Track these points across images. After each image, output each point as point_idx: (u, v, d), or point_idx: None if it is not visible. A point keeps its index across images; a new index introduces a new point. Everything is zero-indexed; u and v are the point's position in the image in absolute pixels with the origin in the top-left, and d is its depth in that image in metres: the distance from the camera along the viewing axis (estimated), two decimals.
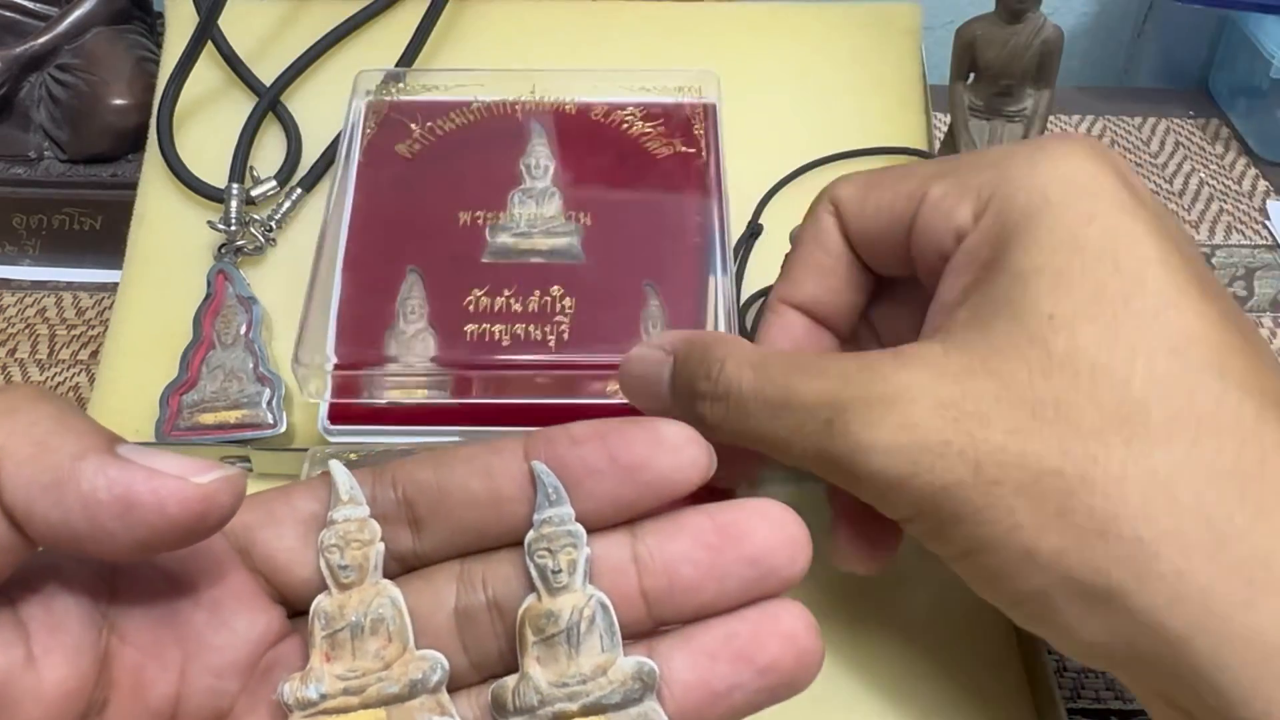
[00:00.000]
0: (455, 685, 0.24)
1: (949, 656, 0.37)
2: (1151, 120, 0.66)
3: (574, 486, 0.23)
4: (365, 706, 0.23)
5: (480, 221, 0.43)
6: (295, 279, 0.47)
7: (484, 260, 0.42)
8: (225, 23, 0.50)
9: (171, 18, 0.53)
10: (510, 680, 0.23)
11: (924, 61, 0.53)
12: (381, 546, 0.24)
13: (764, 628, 0.23)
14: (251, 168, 0.49)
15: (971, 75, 0.50)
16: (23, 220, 0.54)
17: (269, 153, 0.50)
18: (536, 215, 0.43)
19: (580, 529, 0.23)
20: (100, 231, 0.54)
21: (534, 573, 0.23)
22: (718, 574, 0.23)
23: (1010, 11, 0.47)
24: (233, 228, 0.47)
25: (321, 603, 0.24)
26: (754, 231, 0.48)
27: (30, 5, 0.56)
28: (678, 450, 0.23)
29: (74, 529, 0.20)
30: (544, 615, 0.23)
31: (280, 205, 0.48)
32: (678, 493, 0.23)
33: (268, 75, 0.51)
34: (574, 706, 0.23)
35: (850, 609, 0.38)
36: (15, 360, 0.51)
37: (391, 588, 0.24)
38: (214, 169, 0.49)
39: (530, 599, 0.23)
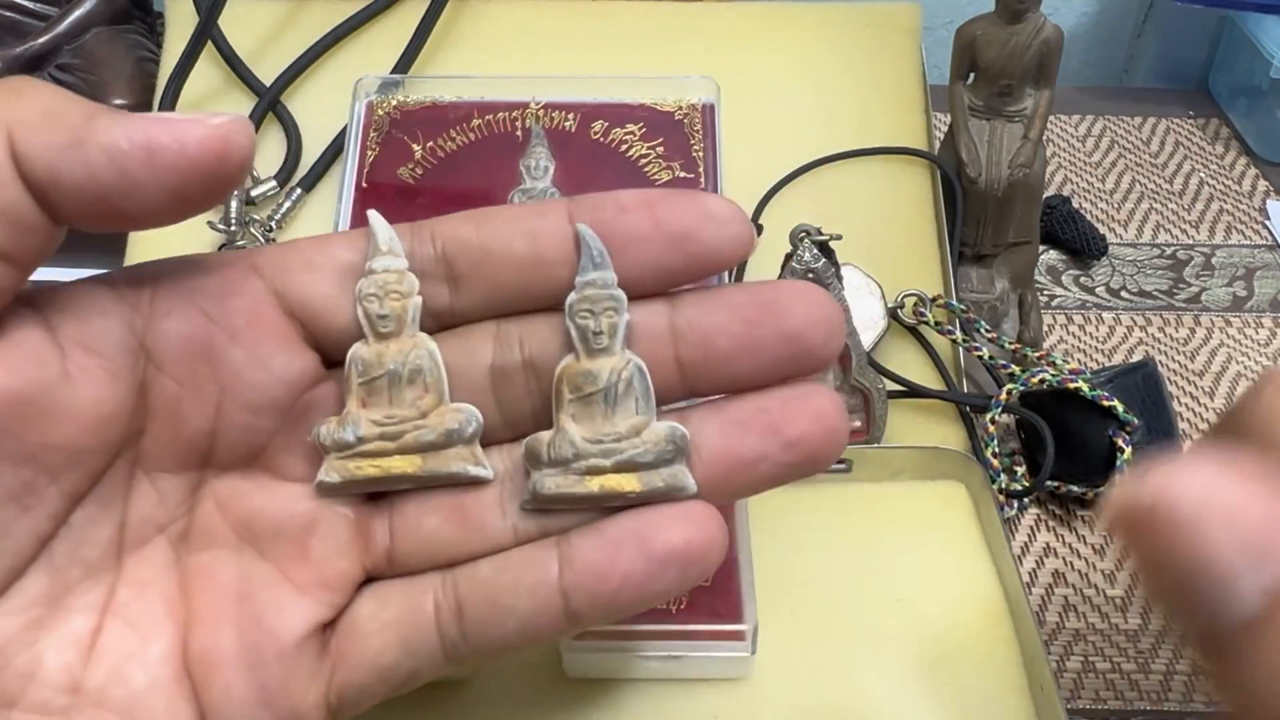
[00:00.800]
0: (487, 440, 0.24)
1: (949, 658, 0.37)
2: (1151, 120, 0.66)
3: (618, 252, 0.23)
4: (401, 453, 0.23)
5: None
6: None
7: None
8: (225, 23, 0.50)
9: (171, 18, 0.53)
10: (545, 434, 0.23)
11: (924, 61, 0.53)
12: (419, 300, 0.24)
13: (794, 404, 0.23)
14: (252, 167, 0.49)
15: (971, 75, 0.50)
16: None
17: (269, 153, 0.50)
18: None
19: (622, 294, 0.23)
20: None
21: (574, 333, 0.23)
22: (753, 347, 0.23)
23: (1010, 11, 0.47)
24: (233, 228, 0.47)
25: (359, 350, 0.24)
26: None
27: (30, 5, 0.56)
28: (724, 223, 0.23)
29: (102, 183, 0.20)
30: (582, 374, 0.23)
31: (280, 205, 0.48)
32: (721, 266, 0.23)
33: (268, 75, 0.51)
34: (607, 463, 0.23)
35: (851, 611, 0.38)
36: None
37: (428, 341, 0.24)
38: None
39: (569, 358, 0.23)
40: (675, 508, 0.23)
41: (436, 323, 0.24)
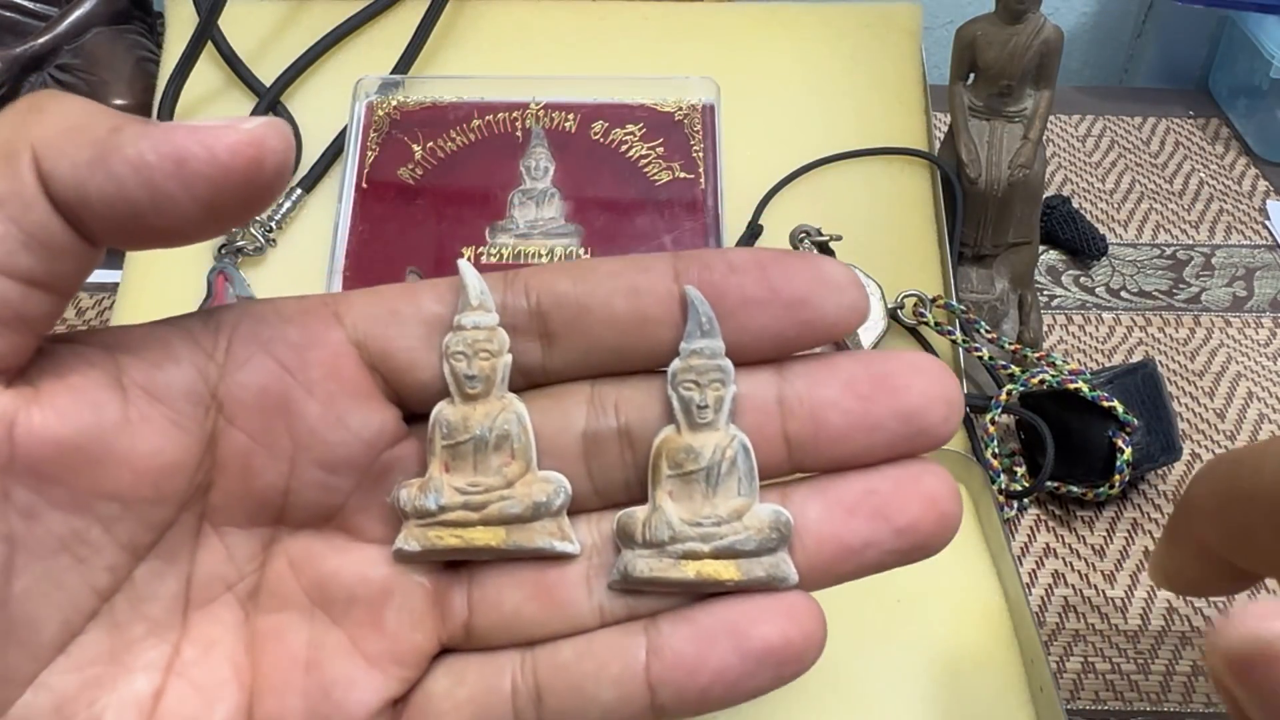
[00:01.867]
0: (576, 509, 0.23)
1: (949, 658, 0.37)
2: (1151, 120, 0.66)
3: (726, 315, 0.22)
4: (485, 524, 0.22)
5: (481, 223, 0.43)
6: (295, 279, 0.47)
7: (484, 262, 0.42)
8: (225, 23, 0.50)
9: (171, 18, 0.53)
10: (640, 511, 0.22)
11: (924, 61, 0.53)
12: (509, 359, 0.22)
13: (906, 487, 0.21)
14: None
15: (971, 75, 0.50)
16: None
17: None
18: (536, 217, 0.44)
19: (729, 365, 0.22)
20: None
21: (677, 405, 0.22)
22: (867, 425, 0.21)
23: (1010, 11, 0.47)
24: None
25: (444, 411, 0.22)
26: (754, 232, 0.48)
27: (30, 5, 0.56)
28: (841, 290, 0.21)
29: (131, 200, 0.19)
30: (684, 450, 0.22)
31: (280, 206, 0.48)
32: (835, 335, 0.22)
33: (268, 75, 0.51)
34: (706, 548, 0.22)
35: (851, 611, 0.38)
36: None
37: (518, 403, 0.22)
38: None
39: (668, 430, 0.22)
40: (774, 599, 0.22)
41: (526, 380, 0.23)
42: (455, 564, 0.23)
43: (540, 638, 0.23)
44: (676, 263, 0.22)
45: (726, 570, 0.22)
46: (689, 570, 0.22)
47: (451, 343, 0.22)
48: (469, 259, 0.43)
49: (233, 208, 0.19)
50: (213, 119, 0.20)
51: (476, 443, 0.22)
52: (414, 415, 0.23)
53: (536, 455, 0.22)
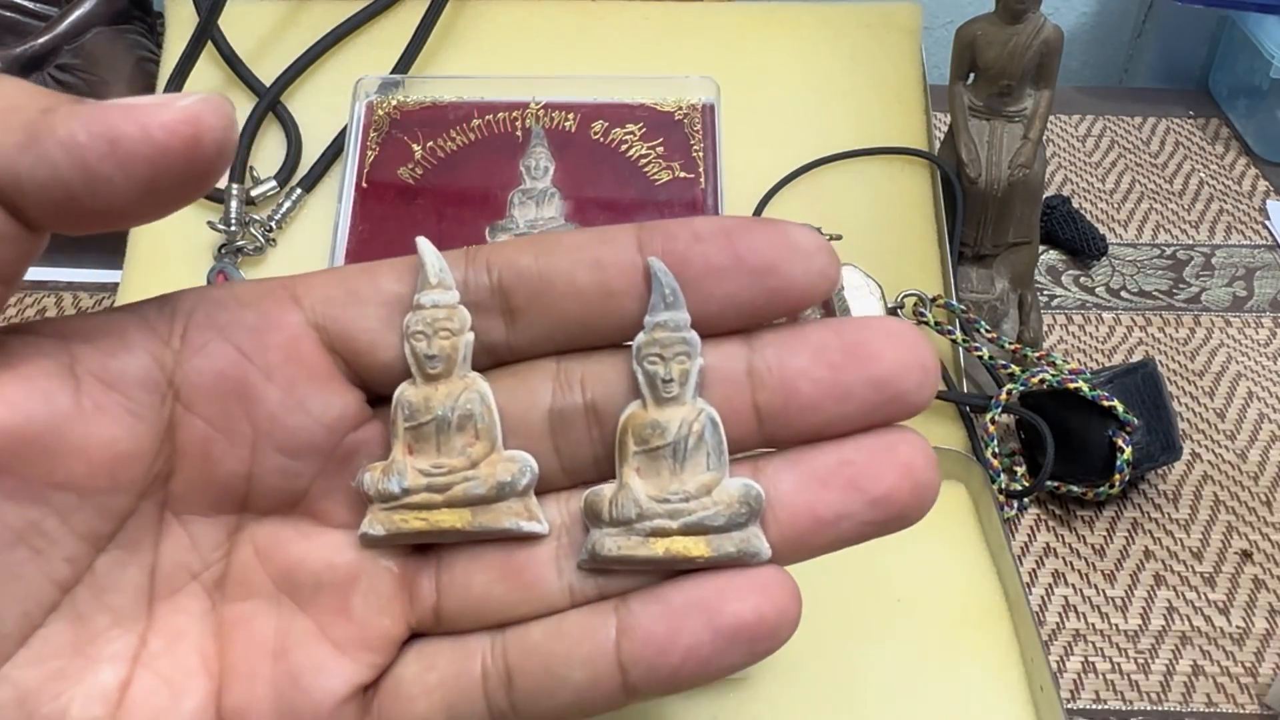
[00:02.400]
0: (544, 488, 0.22)
1: (949, 658, 0.37)
2: (1151, 120, 0.66)
3: (692, 284, 0.21)
4: (449, 506, 0.22)
5: (481, 223, 0.43)
6: None
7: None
8: (225, 23, 0.50)
9: (171, 18, 0.53)
10: (607, 489, 0.22)
11: (924, 61, 0.53)
12: (471, 337, 0.22)
13: (880, 456, 0.21)
14: (251, 168, 0.49)
15: (971, 75, 0.50)
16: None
17: (269, 153, 0.50)
18: (536, 217, 0.44)
19: (695, 337, 0.21)
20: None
21: (642, 379, 0.21)
22: (838, 394, 0.21)
23: (1010, 11, 0.47)
24: (233, 228, 0.47)
25: (405, 393, 0.22)
26: None
27: (30, 5, 0.56)
28: (810, 256, 0.21)
29: (67, 183, 0.18)
30: (649, 425, 0.21)
31: (280, 205, 0.48)
32: (804, 303, 0.21)
33: (268, 75, 0.51)
34: (674, 524, 0.21)
35: (851, 611, 0.38)
36: None
37: (481, 382, 0.22)
38: None
39: (634, 406, 0.22)
40: (746, 575, 0.21)
41: (491, 358, 0.23)
42: (423, 548, 0.23)
43: (510, 620, 0.22)
44: (640, 233, 0.22)
45: (696, 547, 0.21)
46: (658, 548, 0.21)
47: (411, 322, 0.22)
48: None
49: (173, 188, 0.19)
50: (152, 96, 0.19)
51: (439, 423, 0.22)
52: (378, 398, 0.23)
53: (502, 434, 0.22)
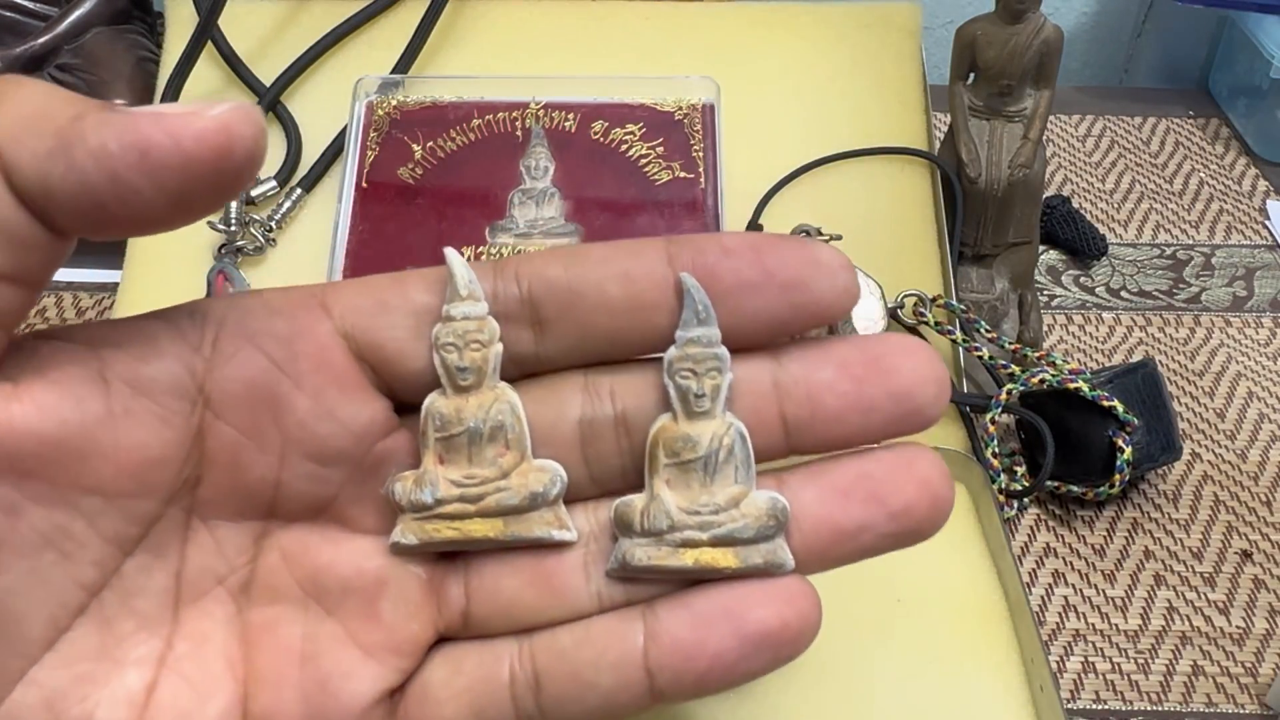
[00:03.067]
0: (573, 497, 0.23)
1: (949, 658, 0.37)
2: (1151, 120, 0.66)
3: (721, 299, 0.21)
4: (481, 515, 0.22)
5: (481, 223, 0.43)
6: (295, 279, 0.47)
7: (484, 261, 0.42)
8: (225, 23, 0.50)
9: (171, 18, 0.53)
10: (637, 500, 0.22)
11: (924, 61, 0.53)
12: (500, 348, 0.22)
13: (899, 470, 0.22)
14: (262, 160, 0.49)
15: (971, 75, 0.50)
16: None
17: (269, 153, 0.50)
18: (536, 217, 0.44)
19: (726, 353, 0.22)
20: None
21: (674, 393, 0.22)
22: (863, 406, 0.21)
23: (1010, 11, 0.47)
24: (232, 228, 0.47)
25: (436, 403, 0.22)
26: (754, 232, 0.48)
27: (30, 5, 0.56)
28: (834, 273, 0.21)
29: (96, 192, 0.18)
30: (681, 439, 0.22)
31: (280, 205, 0.48)
32: (828, 318, 0.22)
33: (268, 75, 0.51)
34: (704, 536, 0.22)
35: (851, 611, 0.38)
36: None
37: (511, 393, 0.22)
38: None
39: (665, 419, 0.22)
40: (770, 584, 0.22)
41: (519, 369, 0.23)
42: (451, 554, 0.23)
43: (538, 625, 0.23)
44: (670, 247, 0.22)
45: (724, 558, 0.22)
46: (687, 558, 0.22)
47: (441, 334, 0.22)
48: (469, 259, 0.43)
49: (202, 197, 0.19)
50: (182, 104, 0.19)
51: (470, 434, 0.22)
52: (405, 406, 0.23)
53: (531, 444, 0.22)
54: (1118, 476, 0.42)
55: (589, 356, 0.23)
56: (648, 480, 0.22)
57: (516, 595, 0.23)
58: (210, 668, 0.22)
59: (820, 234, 0.46)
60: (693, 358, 0.22)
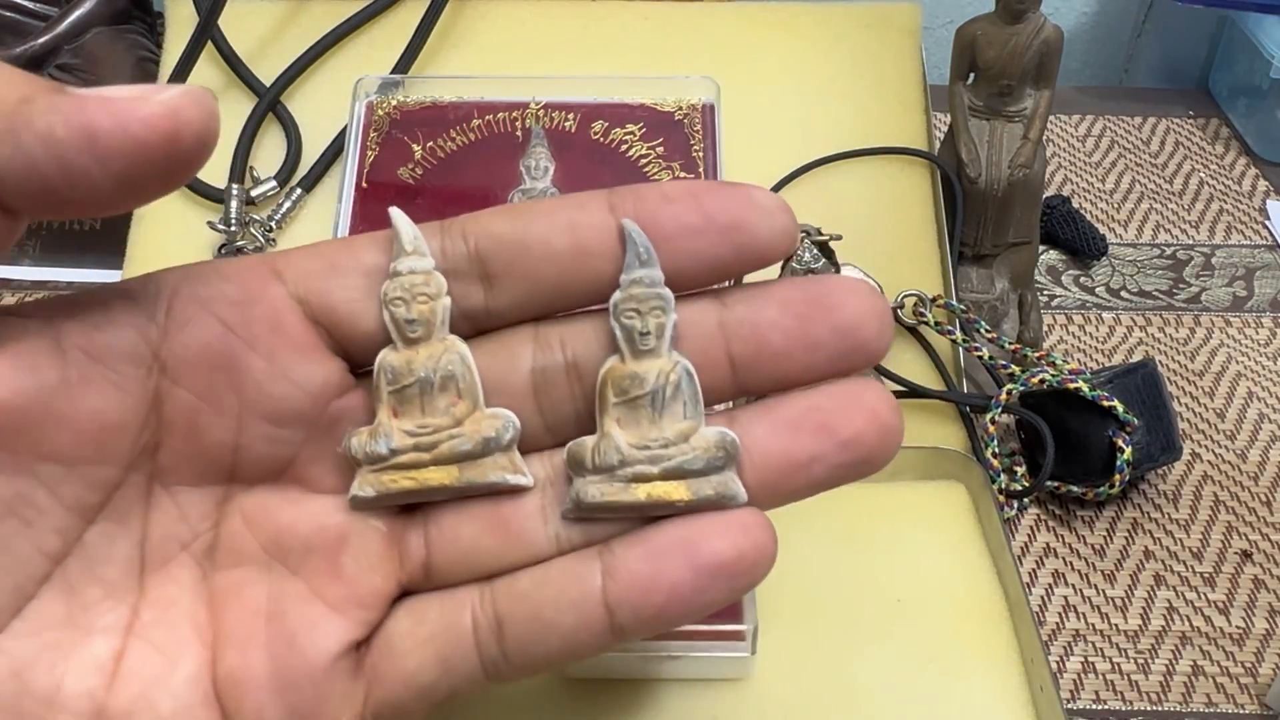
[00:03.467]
0: (528, 446, 0.23)
1: (949, 658, 0.37)
2: (1151, 120, 0.66)
3: (665, 243, 0.22)
4: (436, 464, 0.23)
5: None
6: None
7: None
8: (225, 23, 0.50)
9: (171, 18, 0.53)
10: (589, 439, 0.23)
11: (924, 61, 0.53)
12: (448, 301, 0.23)
13: (847, 402, 0.22)
14: (251, 168, 0.49)
15: (971, 75, 0.50)
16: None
17: (269, 153, 0.50)
18: None
19: (669, 293, 0.22)
20: (100, 231, 0.54)
21: (620, 334, 0.22)
22: (807, 342, 0.22)
23: (1010, 11, 0.47)
24: (233, 228, 0.47)
25: (387, 357, 0.23)
26: None
27: (30, 5, 0.56)
28: (771, 214, 0.22)
29: (44, 176, 0.18)
30: (628, 377, 0.22)
31: (280, 205, 0.48)
32: (769, 259, 0.22)
33: (268, 75, 0.51)
34: (654, 470, 0.22)
35: (851, 611, 0.38)
36: None
37: (460, 344, 0.23)
38: (214, 169, 0.49)
39: (613, 360, 0.23)
40: (724, 515, 0.22)
41: (471, 325, 0.23)
42: (410, 507, 0.23)
43: (499, 570, 0.23)
44: (611, 197, 0.23)
45: (676, 490, 0.22)
46: (640, 493, 0.22)
47: (389, 289, 0.22)
48: None
49: (151, 181, 0.19)
50: (132, 87, 0.19)
51: (422, 385, 0.23)
52: (361, 367, 0.23)
53: (485, 396, 0.23)
54: (1118, 476, 0.42)
55: (539, 308, 0.23)
56: (599, 420, 0.23)
57: (475, 542, 0.23)
58: (177, 633, 0.22)
59: (820, 234, 0.46)
60: (636, 298, 0.22)
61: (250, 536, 0.23)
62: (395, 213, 0.23)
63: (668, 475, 0.22)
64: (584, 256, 0.22)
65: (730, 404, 0.24)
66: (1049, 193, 0.59)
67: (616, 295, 0.22)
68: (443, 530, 0.23)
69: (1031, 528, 0.45)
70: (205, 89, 0.20)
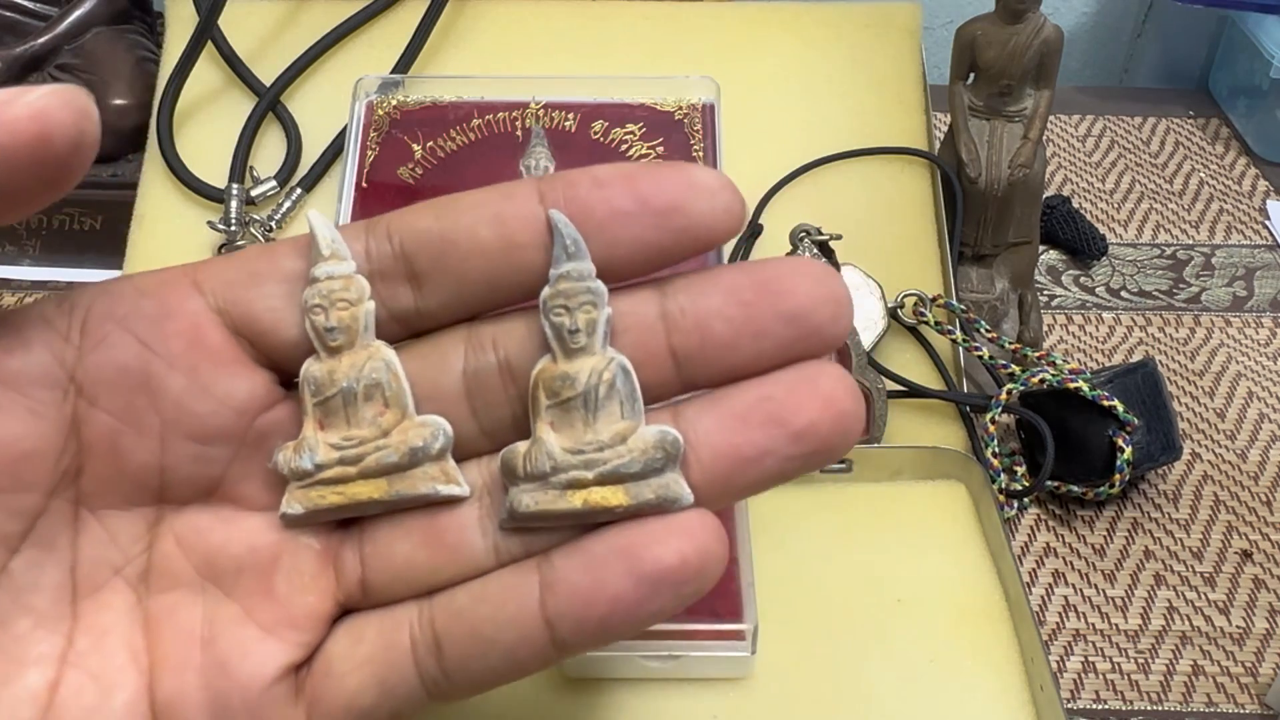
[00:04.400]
0: (466, 453, 0.22)
1: (949, 658, 0.37)
2: (1151, 120, 0.66)
3: (597, 231, 0.21)
4: (364, 477, 0.22)
5: None
6: None
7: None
8: (225, 23, 0.50)
9: (171, 18, 0.53)
10: (521, 445, 0.21)
11: (924, 61, 0.53)
12: (371, 305, 0.22)
13: (800, 389, 0.20)
14: (251, 168, 0.49)
15: (971, 75, 0.50)
16: (22, 220, 0.54)
17: (269, 153, 0.50)
18: None
19: (601, 286, 0.21)
20: (100, 231, 0.54)
21: (549, 332, 0.21)
22: (754, 331, 0.21)
23: (1010, 11, 0.47)
24: (233, 228, 0.47)
25: (310, 368, 0.22)
26: (754, 232, 0.48)
27: (30, 5, 0.56)
28: (713, 194, 0.21)
29: None
30: (559, 378, 0.21)
31: (280, 205, 0.48)
32: (711, 243, 0.21)
33: (268, 75, 0.51)
34: (590, 475, 0.21)
35: (851, 611, 0.38)
36: None
37: (385, 349, 0.22)
38: (214, 169, 0.49)
39: (544, 360, 0.21)
40: (667, 520, 0.21)
41: (404, 328, 0.22)
42: (346, 522, 0.23)
43: (437, 585, 0.22)
44: (540, 185, 0.21)
45: (614, 496, 0.21)
46: (575, 500, 0.21)
47: (308, 296, 0.22)
48: None
49: (26, 188, 0.18)
50: (2, 90, 0.18)
51: (345, 395, 0.22)
52: (292, 379, 0.22)
53: (416, 401, 0.22)
54: (1118, 476, 0.42)
55: (470, 307, 0.22)
56: (531, 424, 0.21)
57: (411, 557, 0.22)
58: (113, 660, 0.22)
59: (820, 234, 0.46)
60: (565, 293, 0.21)
61: (183, 558, 0.22)
62: (313, 215, 0.22)
63: (604, 480, 0.21)
64: (513, 250, 0.21)
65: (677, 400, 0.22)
66: (1049, 193, 0.59)
67: (545, 291, 0.21)
68: (378, 546, 0.22)
69: (1031, 527, 0.45)
70: (79, 88, 0.19)
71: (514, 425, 0.22)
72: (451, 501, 0.22)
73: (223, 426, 0.22)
